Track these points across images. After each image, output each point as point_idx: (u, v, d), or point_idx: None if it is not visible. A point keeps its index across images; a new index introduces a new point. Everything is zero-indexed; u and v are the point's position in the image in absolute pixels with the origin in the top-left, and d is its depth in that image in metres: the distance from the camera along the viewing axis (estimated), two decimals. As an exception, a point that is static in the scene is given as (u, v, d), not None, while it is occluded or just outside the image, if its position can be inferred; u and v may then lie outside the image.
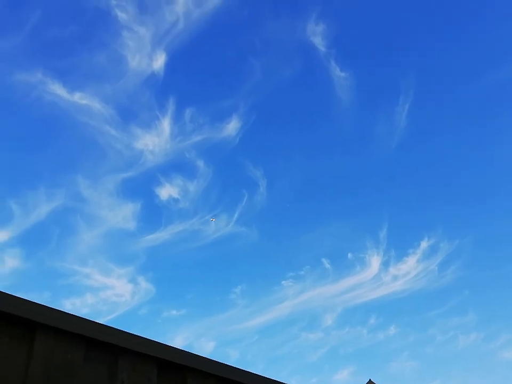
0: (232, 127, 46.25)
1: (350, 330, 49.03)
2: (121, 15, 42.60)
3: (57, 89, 42.46)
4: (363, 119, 49.24)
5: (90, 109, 43.50)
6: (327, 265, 47.62)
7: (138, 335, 3.84)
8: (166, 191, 47.00)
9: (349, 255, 48.52)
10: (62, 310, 3.39)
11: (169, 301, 51.95)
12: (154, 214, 48.43)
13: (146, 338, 3.82)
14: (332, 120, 48.83)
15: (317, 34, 45.62)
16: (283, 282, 47.95)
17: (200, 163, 47.00)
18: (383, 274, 46.76)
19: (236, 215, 47.99)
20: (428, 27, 48.37)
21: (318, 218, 52.40)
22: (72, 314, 3.42)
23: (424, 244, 46.80)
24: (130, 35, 42.95)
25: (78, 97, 43.28)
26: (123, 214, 46.98)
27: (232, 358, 44.96)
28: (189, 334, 48.54)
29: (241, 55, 46.76)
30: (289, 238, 51.65)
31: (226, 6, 43.80)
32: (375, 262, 47.37)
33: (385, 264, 47.10)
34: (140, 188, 47.90)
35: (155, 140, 45.75)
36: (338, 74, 46.32)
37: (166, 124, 45.50)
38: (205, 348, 44.40)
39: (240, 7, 44.53)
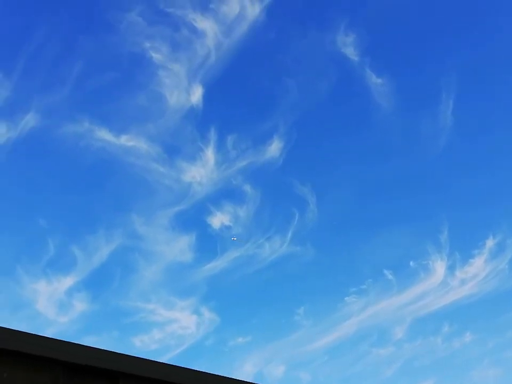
0: (274, 148, 46.53)
1: (423, 342, 47.40)
2: (156, 56, 44.16)
3: (104, 135, 44.20)
4: (407, 122, 48.47)
5: (137, 149, 44.95)
6: (390, 276, 46.52)
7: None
8: (218, 220, 47.54)
9: (411, 263, 47.27)
10: (140, 357, 3.49)
11: (234, 328, 51.87)
12: (209, 244, 48.97)
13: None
14: (374, 127, 48.33)
15: (347, 45, 45.59)
16: (346, 298, 47.17)
17: (247, 187, 47.40)
18: (450, 279, 45.23)
19: (289, 235, 47.89)
20: (460, 22, 47.48)
21: (374, 228, 51.57)
22: (150, 360, 3.52)
23: (489, 243, 44.99)
24: (166, 73, 44.36)
25: (125, 140, 44.86)
26: (179, 247, 47.77)
27: (304, 381, 44.35)
28: (257, 360, 48.24)
29: (275, 76, 47.28)
30: (346, 252, 50.98)
31: (253, 31, 44.57)
32: (439, 267, 45.92)
33: (450, 269, 45.56)
34: (192, 219, 48.65)
35: (201, 171, 46.60)
36: (375, 81, 45.96)
37: (210, 154, 46.31)
38: (275, 373, 44.01)
39: (266, 29, 45.26)
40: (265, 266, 48.81)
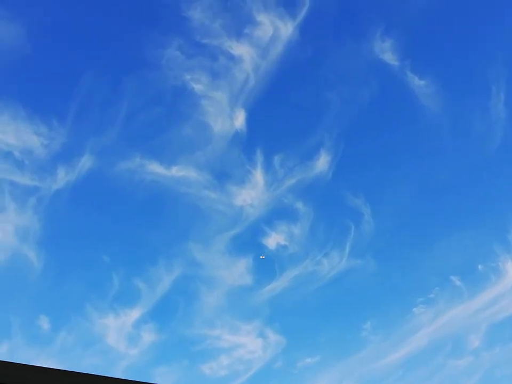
0: (322, 162, 46.18)
1: (502, 349, 44.63)
2: (197, 86, 45.43)
3: (156, 168, 45.67)
4: (457, 120, 46.75)
5: (187, 179, 46.05)
6: (458, 283, 44.45)
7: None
8: (273, 240, 47.48)
9: (479, 266, 44.96)
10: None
11: (302, 349, 51.09)
12: (267, 265, 48.82)
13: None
14: (423, 129, 47.01)
15: (386, 51, 44.90)
16: (414, 309, 45.41)
17: (299, 205, 47.12)
18: (524, 279, 42.59)
19: (347, 249, 46.99)
20: (498, 10, 45.58)
21: (434, 233, 49.56)
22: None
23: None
24: (208, 102, 45.45)
25: (175, 171, 46.12)
26: (238, 271, 47.97)
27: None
28: (329, 380, 47.15)
29: (315, 91, 47.15)
30: (409, 261, 49.27)
31: (289, 50, 44.97)
32: (511, 268, 43.44)
33: (523, 268, 42.93)
34: (248, 242, 48.85)
35: (252, 193, 46.92)
36: (418, 83, 44.87)
37: (258, 176, 46.62)
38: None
39: (302, 46, 45.46)
40: (326, 283, 48.04)
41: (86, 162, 44.41)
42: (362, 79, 46.65)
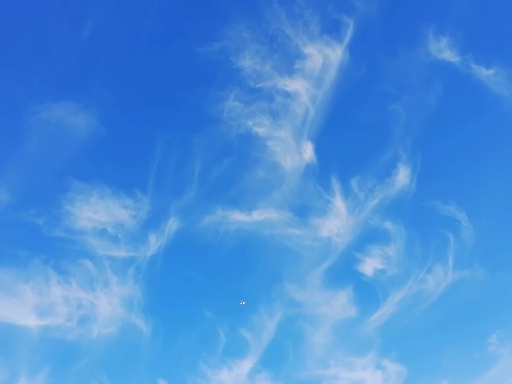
0: (402, 176, 44.61)
1: None
2: (260, 130, 46.45)
3: (238, 216, 46.56)
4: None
5: (270, 220, 46.40)
6: None
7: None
8: (369, 266, 45.87)
9: None
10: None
11: (425, 375, 47.61)
12: (368, 292, 47.02)
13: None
14: (502, 119, 44.03)
15: (443, 50, 43.44)
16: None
17: (388, 224, 45.45)
18: None
19: (450, 261, 44.24)
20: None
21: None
22: None
23: None
24: (274, 142, 46.15)
25: (257, 215, 46.72)
26: (339, 304, 46.54)
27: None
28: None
29: (379, 107, 46.31)
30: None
31: (343, 73, 45.03)
32: None
33: None
34: (343, 272, 47.52)
35: (336, 222, 46.07)
36: (486, 73, 42.62)
37: (339, 203, 45.83)
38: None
39: (356, 67, 45.32)
40: (435, 301, 45.16)
41: (172, 224, 46.35)
42: (425, 83, 45.24)
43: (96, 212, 45.26)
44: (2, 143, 45.09)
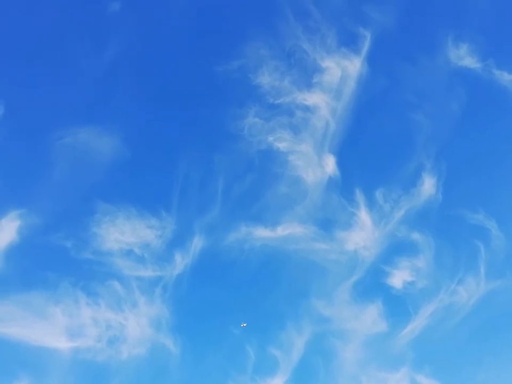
0: (428, 185, 43.92)
1: None
2: (281, 145, 46.58)
3: (262, 233, 46.46)
4: None
5: (294, 235, 46.15)
6: None
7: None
8: (398, 278, 45.01)
9: None
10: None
11: (462, 390, 46.19)
12: (398, 306, 46.01)
13: None
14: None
15: (463, 56, 43.02)
16: None
17: (416, 235, 44.66)
18: None
19: (481, 271, 43.08)
20: None
21: None
22: None
23: None
24: (296, 156, 46.16)
25: (281, 230, 46.53)
26: (369, 318, 45.66)
27: None
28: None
29: (401, 116, 46.03)
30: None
31: (362, 85, 45.04)
32: None
33: None
34: (371, 286, 46.70)
35: (362, 235, 45.49)
36: (508, 77, 41.96)
37: (364, 215, 45.29)
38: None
39: (375, 78, 45.32)
40: (468, 312, 43.88)
41: (197, 243, 46.52)
42: (446, 91, 44.75)
43: (122, 233, 45.82)
44: (30, 168, 46.30)
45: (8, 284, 43.51)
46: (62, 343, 43.28)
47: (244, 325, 45.48)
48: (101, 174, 46.65)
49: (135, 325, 44.42)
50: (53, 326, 43.45)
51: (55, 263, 45.10)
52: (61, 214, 45.71)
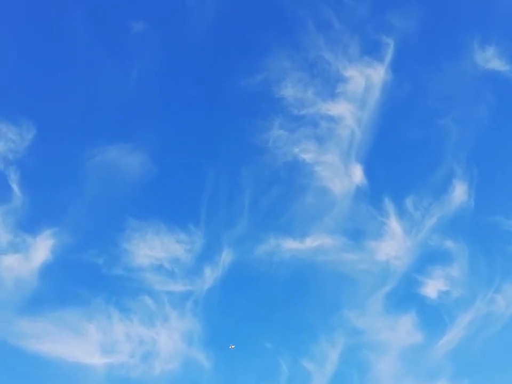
0: (459, 191, 43.05)
1: None
2: (307, 156, 46.52)
3: (290, 244, 46.29)
4: None
5: (323, 247, 45.78)
6: None
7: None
8: (432, 288, 44.04)
9: None
10: None
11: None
12: (433, 316, 44.91)
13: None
14: None
15: (490, 59, 42.23)
16: None
17: (449, 243, 43.65)
18: None
19: (519, 278, 41.63)
20: None
21: None
22: None
23: None
24: (322, 167, 46.05)
25: (310, 242, 46.21)
26: (404, 329, 44.69)
27: None
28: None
29: (427, 122, 45.39)
30: None
31: (387, 92, 44.78)
32: None
33: None
34: (404, 296, 45.75)
35: (393, 244, 44.73)
36: (538, 77, 40.77)
37: (394, 224, 44.58)
38: None
39: (400, 84, 44.92)
40: (507, 322, 42.47)
41: (226, 256, 46.60)
42: (474, 95, 43.95)
43: (152, 248, 46.31)
44: (62, 188, 47.44)
45: (43, 301, 44.43)
46: (96, 359, 43.74)
47: (232, 346, 45.08)
48: (130, 190, 47.45)
49: (167, 340, 44.63)
50: (87, 342, 44.03)
51: (87, 280, 45.91)
52: (92, 231, 46.60)
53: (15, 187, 45.71)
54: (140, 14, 47.46)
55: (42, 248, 45.07)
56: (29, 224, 45.39)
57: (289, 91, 46.38)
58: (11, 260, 44.61)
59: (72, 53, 47.68)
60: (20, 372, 42.66)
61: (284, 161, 46.93)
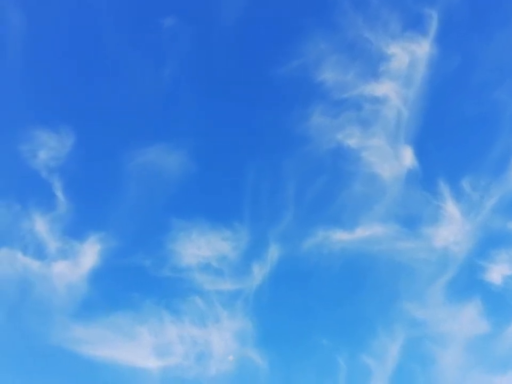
0: (520, 168, 39.84)
1: None
2: (352, 141, 44.77)
3: (341, 236, 44.71)
4: None
5: (375, 236, 43.99)
6: None
7: None
8: (496, 273, 41.52)
9: None
10: None
11: None
12: (499, 303, 42.40)
13: None
14: None
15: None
16: None
17: (512, 224, 40.64)
18: None
19: None
20: None
21: None
22: None
23: None
24: (369, 152, 44.26)
25: (361, 232, 44.59)
26: (468, 318, 42.42)
27: None
28: None
29: (480, 95, 42.67)
30: None
31: (434, 67, 42.43)
32: None
33: None
34: (467, 284, 43.43)
35: (452, 229, 42.47)
36: None
37: (451, 208, 42.15)
38: None
39: (448, 58, 42.82)
40: None
41: (273, 252, 45.35)
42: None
43: (198, 248, 45.59)
44: (105, 193, 47.27)
45: (95, 306, 44.43)
46: (151, 362, 43.46)
47: (231, 358, 43.57)
48: (172, 190, 46.82)
49: (220, 340, 43.88)
50: (140, 346, 43.80)
51: (136, 283, 45.61)
52: (137, 234, 46.25)
53: (59, 194, 45.79)
54: (169, 9, 46.51)
55: (90, 253, 45.09)
56: (76, 231, 45.47)
57: (328, 75, 44.48)
58: (61, 267, 44.82)
59: (104, 55, 47.26)
60: (77, 377, 42.85)
61: (328, 149, 45.19)
